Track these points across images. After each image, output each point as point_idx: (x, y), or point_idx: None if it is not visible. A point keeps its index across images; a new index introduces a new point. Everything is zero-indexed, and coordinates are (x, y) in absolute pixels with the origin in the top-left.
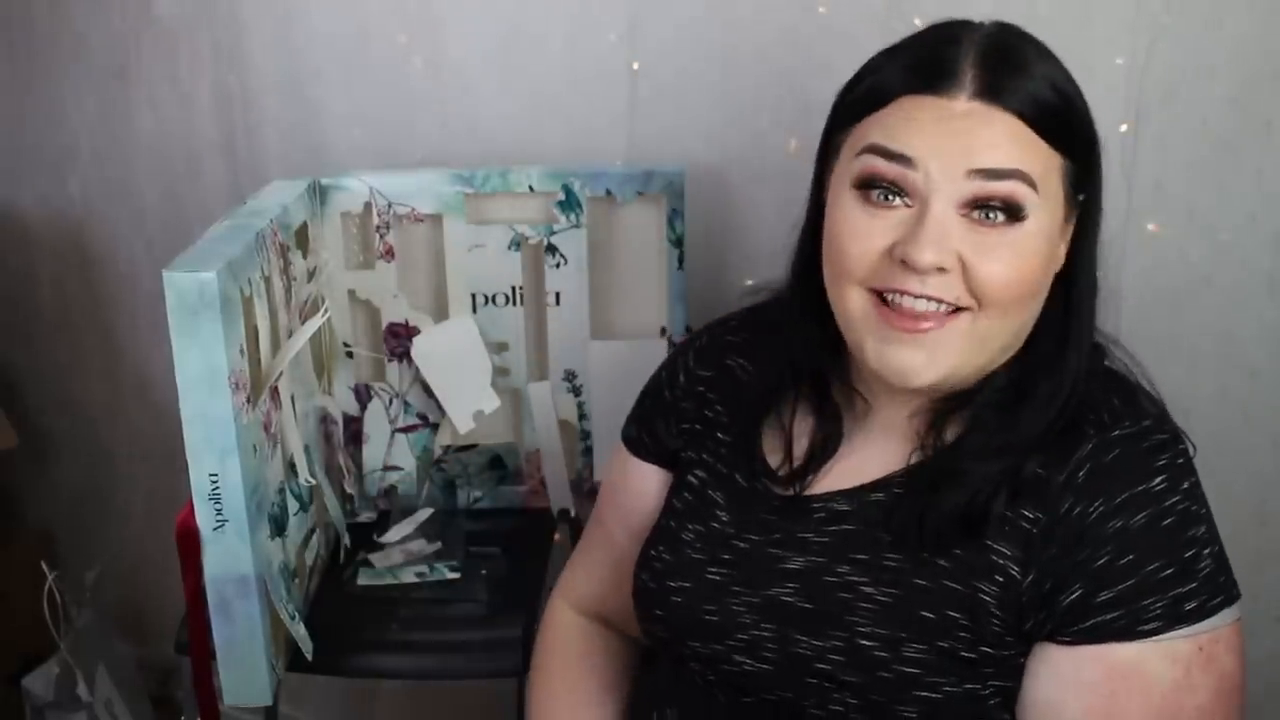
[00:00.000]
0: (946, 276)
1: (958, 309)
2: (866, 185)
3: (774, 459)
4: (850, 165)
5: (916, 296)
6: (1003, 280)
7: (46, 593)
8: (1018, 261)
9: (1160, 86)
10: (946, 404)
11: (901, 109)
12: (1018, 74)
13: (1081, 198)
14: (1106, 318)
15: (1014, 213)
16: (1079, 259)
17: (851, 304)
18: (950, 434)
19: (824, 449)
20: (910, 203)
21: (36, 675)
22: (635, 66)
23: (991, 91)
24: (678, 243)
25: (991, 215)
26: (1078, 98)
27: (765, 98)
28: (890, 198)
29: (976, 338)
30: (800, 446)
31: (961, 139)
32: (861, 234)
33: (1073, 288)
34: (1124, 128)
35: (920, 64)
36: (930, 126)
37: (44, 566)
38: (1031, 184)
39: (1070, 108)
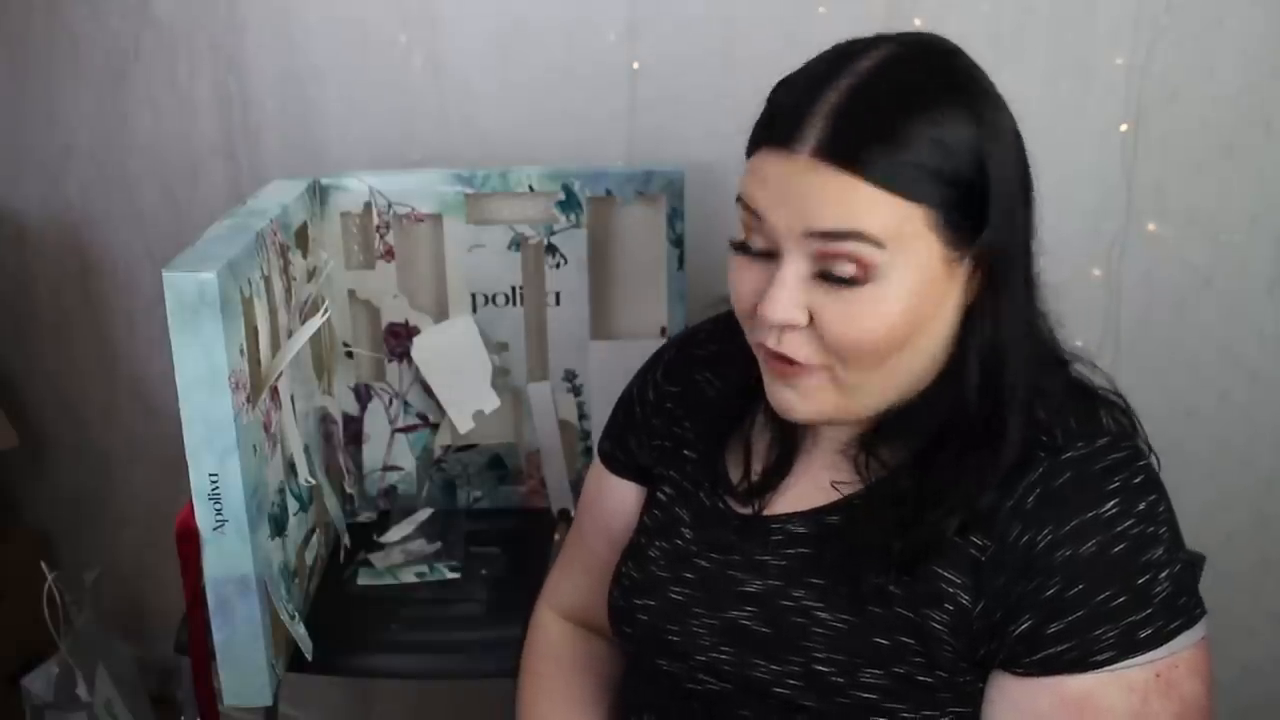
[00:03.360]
0: (799, 333)
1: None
2: (743, 234)
3: (736, 474)
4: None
5: (777, 358)
6: (853, 339)
7: (46, 593)
8: (869, 321)
9: (1160, 86)
10: (880, 430)
11: (759, 162)
12: (866, 128)
13: (985, 235)
14: (1107, 318)
15: (863, 270)
16: (984, 293)
17: (751, 342)
18: (888, 457)
19: (781, 463)
20: (775, 253)
21: (36, 675)
22: (635, 66)
23: (829, 149)
24: (678, 243)
25: (840, 274)
26: (963, 144)
27: (765, 98)
28: (762, 248)
29: (843, 388)
30: (759, 460)
31: (798, 198)
32: (740, 283)
33: (969, 321)
34: (1124, 128)
35: (778, 114)
36: (773, 184)
37: (44, 566)
38: (875, 243)
39: (942, 158)
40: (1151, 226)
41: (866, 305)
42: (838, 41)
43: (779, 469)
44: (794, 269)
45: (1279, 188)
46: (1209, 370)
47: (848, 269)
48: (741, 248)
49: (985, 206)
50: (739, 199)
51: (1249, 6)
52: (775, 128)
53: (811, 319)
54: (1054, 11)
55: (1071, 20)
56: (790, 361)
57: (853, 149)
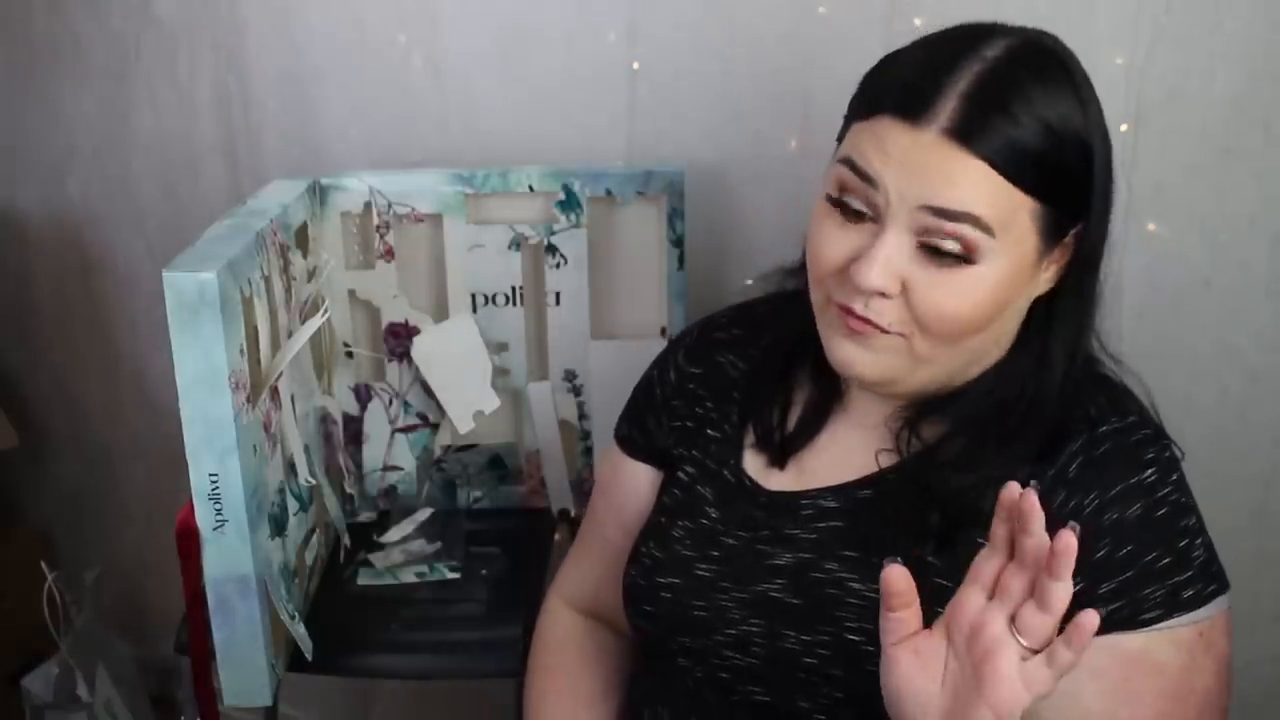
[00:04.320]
0: (888, 301)
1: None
2: (840, 194)
3: (758, 459)
4: (832, 168)
5: (857, 317)
6: (941, 315)
7: (46, 593)
8: (960, 300)
9: (1160, 86)
10: (926, 406)
11: (879, 128)
12: (997, 116)
13: (1076, 229)
14: (1106, 318)
15: (967, 251)
16: (1069, 284)
17: (817, 299)
18: (929, 434)
19: (816, 415)
20: (876, 219)
21: (36, 675)
22: (635, 66)
23: (961, 133)
24: (678, 243)
25: (943, 250)
26: (1076, 138)
27: (765, 98)
28: (859, 211)
29: (912, 357)
30: (794, 415)
31: (920, 173)
32: (828, 244)
33: (1054, 312)
34: (1124, 128)
35: (907, 85)
36: (896, 155)
37: (44, 566)
38: (985, 229)
39: (1059, 152)
40: (1151, 226)
41: (963, 285)
42: (945, 27)
43: (810, 427)
44: (897, 238)
45: (1278, 188)
46: (1208, 368)
47: (952, 248)
48: (839, 205)
49: (1081, 204)
50: (844, 160)
51: (1249, 7)
52: (903, 99)
53: (903, 289)
54: (1053, 11)
55: (1071, 20)
56: (871, 324)
57: (982, 135)
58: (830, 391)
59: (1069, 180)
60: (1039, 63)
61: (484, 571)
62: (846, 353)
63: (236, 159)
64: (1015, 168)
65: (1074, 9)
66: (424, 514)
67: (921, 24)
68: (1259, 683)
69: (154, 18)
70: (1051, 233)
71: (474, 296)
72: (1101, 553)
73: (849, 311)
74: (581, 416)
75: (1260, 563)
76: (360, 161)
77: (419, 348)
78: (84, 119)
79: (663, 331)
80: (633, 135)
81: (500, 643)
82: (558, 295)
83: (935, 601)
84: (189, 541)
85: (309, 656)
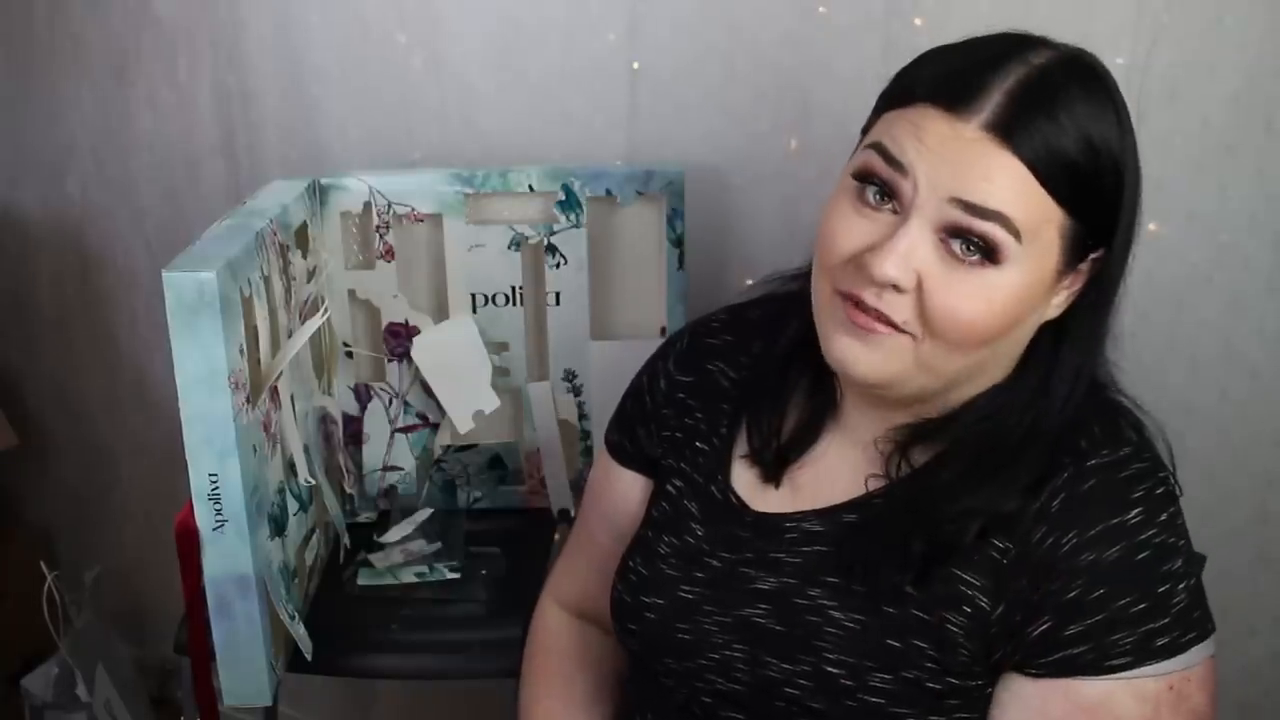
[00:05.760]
0: (901, 297)
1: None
2: (863, 180)
3: (747, 474)
4: (858, 155)
5: (867, 308)
6: (955, 317)
7: (46, 593)
8: (976, 304)
9: (1161, 86)
10: (918, 430)
11: (916, 115)
12: (1041, 119)
13: (1096, 255)
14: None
15: (990, 255)
16: (1079, 313)
17: (821, 289)
18: (919, 459)
19: (809, 429)
20: (898, 210)
21: (36, 675)
22: (635, 66)
23: (1004, 129)
24: (678, 243)
25: (967, 250)
26: (1113, 160)
27: (765, 98)
28: (882, 200)
29: (919, 362)
30: (788, 427)
31: (956, 165)
32: (843, 230)
33: (1062, 341)
34: None
35: (951, 77)
36: (932, 143)
37: (44, 566)
38: (1014, 231)
39: (1095, 168)
40: (1152, 226)
41: (981, 288)
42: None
43: (802, 442)
44: (920, 231)
45: (1279, 187)
46: (1209, 368)
47: (973, 251)
48: (860, 190)
49: (1107, 229)
50: (874, 145)
51: (1249, 6)
52: (946, 89)
53: (917, 286)
54: (1053, 11)
55: (1071, 20)
56: (879, 319)
57: (1025, 136)
58: (824, 404)
59: (1100, 200)
60: (1085, 76)
61: (484, 571)
62: (845, 349)
63: (236, 159)
64: (1053, 174)
65: (1074, 9)
66: (424, 514)
67: (921, 24)
68: (1259, 683)
69: (154, 18)
70: (1074, 252)
71: (474, 296)
72: (1073, 594)
73: (855, 303)
74: (581, 416)
75: (1260, 563)
76: (360, 161)
77: (419, 348)
78: (84, 119)
79: (662, 331)
80: (633, 135)
81: (500, 643)
82: (558, 295)
83: (911, 634)
84: (189, 541)
85: (309, 656)
